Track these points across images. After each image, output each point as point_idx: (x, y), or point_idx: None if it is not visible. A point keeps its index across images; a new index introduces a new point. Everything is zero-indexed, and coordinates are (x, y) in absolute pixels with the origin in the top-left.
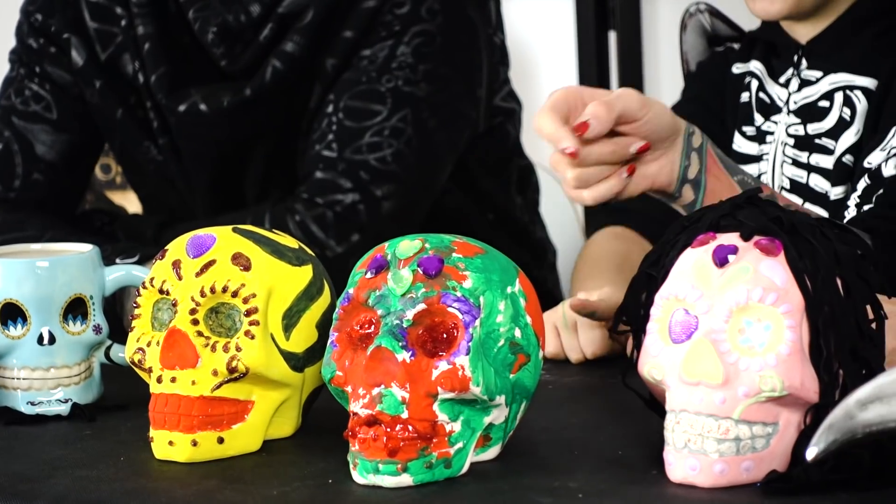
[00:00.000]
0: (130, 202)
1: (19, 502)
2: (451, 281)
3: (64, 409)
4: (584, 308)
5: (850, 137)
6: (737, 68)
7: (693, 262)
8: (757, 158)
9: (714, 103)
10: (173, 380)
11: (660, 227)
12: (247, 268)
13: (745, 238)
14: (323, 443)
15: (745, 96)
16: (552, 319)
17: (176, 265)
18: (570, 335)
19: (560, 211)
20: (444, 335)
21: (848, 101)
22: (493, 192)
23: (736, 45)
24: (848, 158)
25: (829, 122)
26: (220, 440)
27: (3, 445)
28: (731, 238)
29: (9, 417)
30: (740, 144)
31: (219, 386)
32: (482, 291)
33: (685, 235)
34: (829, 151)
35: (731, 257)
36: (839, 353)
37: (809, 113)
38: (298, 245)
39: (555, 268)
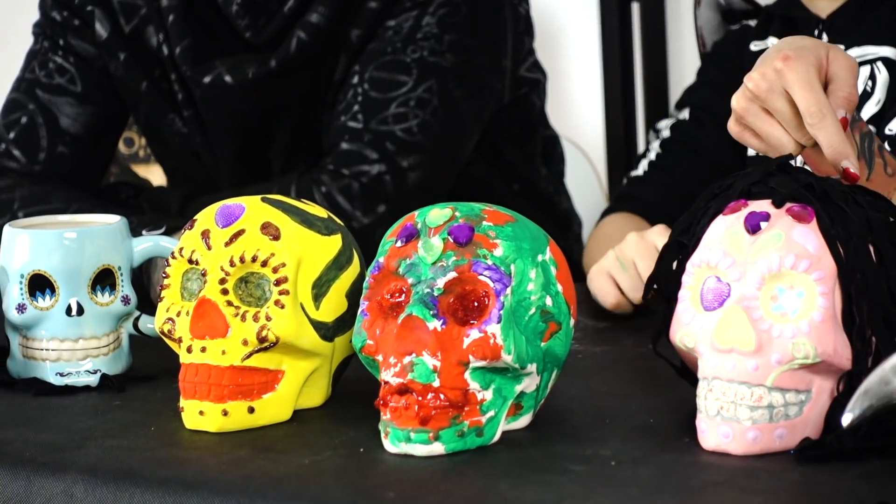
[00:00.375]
0: (154, 175)
1: (50, 472)
2: (482, 249)
3: (93, 380)
4: None
5: (871, 108)
6: (755, 46)
7: (725, 230)
8: None
9: (729, 88)
10: (203, 350)
11: (667, 219)
12: (276, 237)
13: (777, 205)
14: (353, 412)
15: None
16: (604, 269)
17: (205, 235)
18: (629, 276)
19: (585, 182)
20: (475, 303)
21: (870, 74)
22: (518, 163)
23: (752, 22)
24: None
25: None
26: (251, 410)
27: (32, 416)
28: (762, 205)
29: (38, 388)
30: None
31: (249, 356)
32: (513, 259)
33: (716, 203)
34: None
35: (763, 224)
36: (872, 320)
37: None
38: (327, 215)
39: (580, 239)
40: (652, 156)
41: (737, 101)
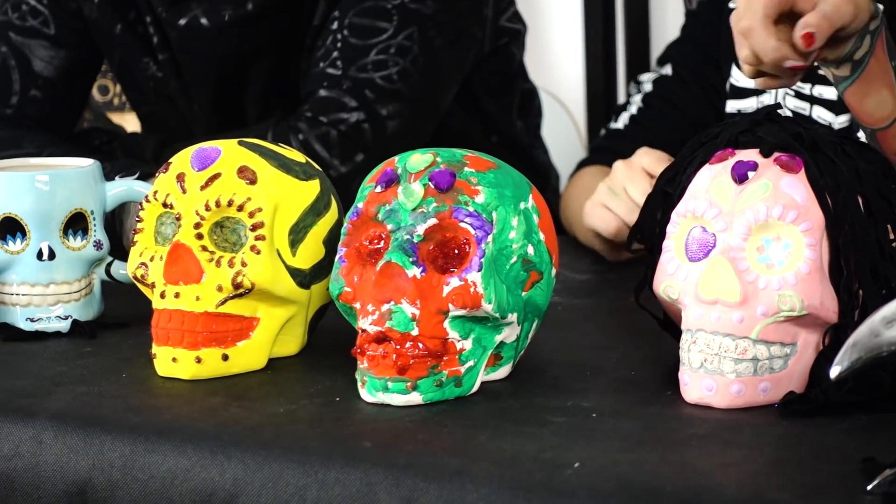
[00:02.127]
0: (129, 123)
1: (19, 418)
2: (464, 196)
3: (64, 325)
4: None
5: None
6: (733, 3)
7: (711, 179)
8: (757, 92)
9: (710, 45)
10: (177, 295)
11: None
12: (253, 181)
13: (765, 154)
14: (329, 361)
15: None
16: (598, 201)
17: (180, 178)
18: (623, 201)
19: (565, 136)
20: (456, 251)
21: None
22: (496, 115)
23: None
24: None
25: None
26: (225, 357)
27: (1, 361)
28: (750, 154)
29: (8, 334)
30: (738, 78)
31: (223, 302)
32: (495, 206)
33: (703, 152)
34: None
35: (750, 174)
36: (859, 273)
37: None
38: (305, 160)
39: (557, 192)
40: (633, 109)
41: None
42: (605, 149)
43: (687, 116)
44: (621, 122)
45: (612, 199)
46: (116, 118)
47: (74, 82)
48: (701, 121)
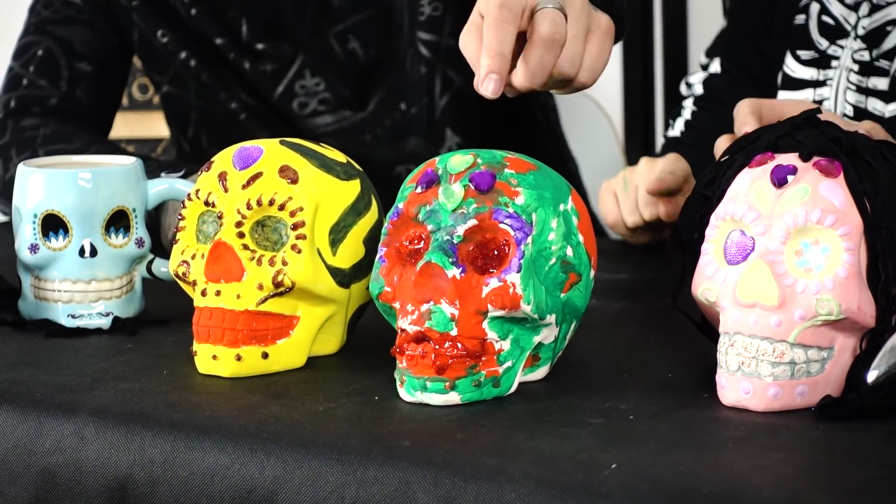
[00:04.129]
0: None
1: (61, 414)
2: (504, 197)
3: (105, 322)
4: (662, 186)
5: None
6: None
7: (750, 183)
8: (815, 83)
9: (757, 35)
10: (218, 293)
11: None
12: (294, 181)
13: (805, 158)
14: (368, 360)
15: (800, 18)
16: (611, 187)
17: (222, 177)
18: (628, 197)
19: (602, 136)
20: (496, 252)
21: None
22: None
23: None
24: None
25: (891, 42)
26: (265, 355)
27: (43, 358)
28: (789, 158)
29: (49, 330)
30: (794, 69)
31: (264, 300)
32: (535, 208)
33: (742, 155)
34: (885, 73)
35: (789, 178)
36: None
37: (875, 37)
38: (346, 159)
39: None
40: (687, 114)
41: None
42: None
43: None
44: (678, 128)
45: (621, 190)
46: (155, 119)
47: (114, 64)
48: None
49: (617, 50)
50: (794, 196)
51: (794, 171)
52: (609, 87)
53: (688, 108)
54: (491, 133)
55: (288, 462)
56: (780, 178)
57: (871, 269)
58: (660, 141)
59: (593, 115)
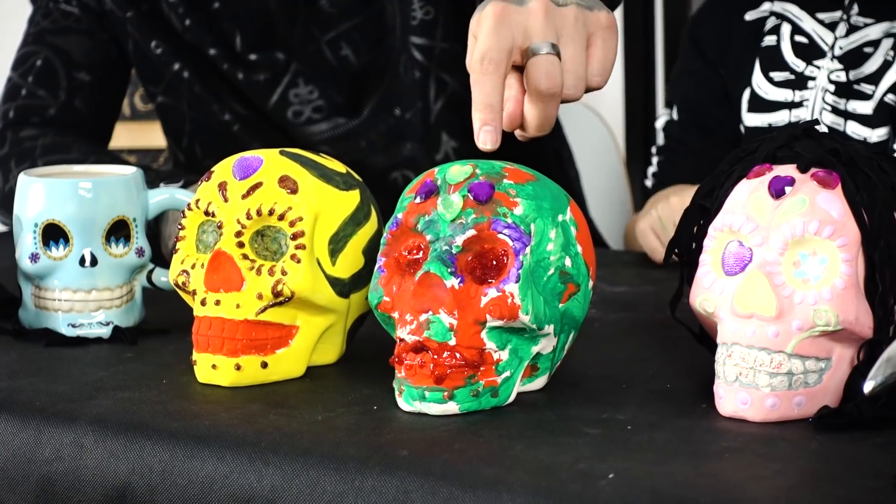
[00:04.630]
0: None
1: (61, 422)
2: (502, 207)
3: (105, 331)
4: None
5: (892, 76)
6: (750, 15)
7: (748, 194)
8: (791, 105)
9: (710, 74)
10: (217, 303)
11: None
12: (294, 191)
13: (802, 170)
14: (367, 370)
15: (770, 40)
16: (648, 224)
17: (222, 187)
18: (669, 234)
19: (602, 149)
20: (494, 262)
21: (892, 45)
22: None
23: None
24: (891, 98)
25: (871, 66)
26: (264, 365)
27: (43, 367)
28: (787, 170)
29: (49, 339)
30: (767, 91)
31: (263, 310)
32: (533, 218)
33: (740, 166)
34: (867, 97)
35: (787, 189)
36: (895, 289)
37: (853, 59)
38: (346, 170)
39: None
40: (654, 166)
41: None
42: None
43: (704, 157)
44: (649, 179)
45: (661, 230)
46: (158, 127)
47: (112, 73)
48: (719, 156)
49: (618, 61)
50: (792, 207)
51: (791, 182)
52: (610, 99)
53: (654, 158)
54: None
55: (286, 471)
56: (777, 190)
57: (869, 279)
58: None
59: (594, 127)
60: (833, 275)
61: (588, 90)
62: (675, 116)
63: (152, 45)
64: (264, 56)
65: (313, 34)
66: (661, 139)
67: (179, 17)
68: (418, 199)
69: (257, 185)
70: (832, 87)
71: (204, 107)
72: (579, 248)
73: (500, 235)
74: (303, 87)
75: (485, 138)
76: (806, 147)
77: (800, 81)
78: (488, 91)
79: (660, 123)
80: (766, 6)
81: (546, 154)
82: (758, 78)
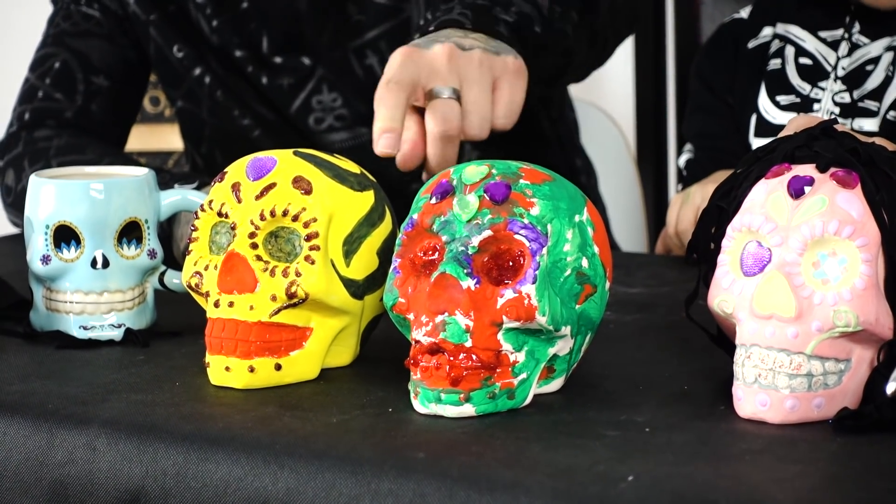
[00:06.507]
0: (178, 137)
1: (73, 425)
2: (519, 208)
3: (117, 334)
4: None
5: (894, 92)
6: (752, 43)
7: (767, 194)
8: None
9: (721, 107)
10: (231, 304)
11: None
12: (308, 191)
13: (822, 169)
14: (382, 372)
15: (775, 63)
16: (682, 197)
17: (235, 188)
18: (686, 211)
19: (614, 150)
20: (510, 263)
21: (892, 59)
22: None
23: (743, 13)
24: (893, 115)
25: (874, 82)
26: (278, 367)
27: (55, 369)
28: (806, 169)
29: (61, 341)
30: (774, 115)
31: (277, 311)
32: (550, 219)
33: (759, 166)
34: (873, 114)
35: (806, 189)
36: None
37: (855, 78)
38: (360, 170)
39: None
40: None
41: None
42: None
43: None
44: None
45: (682, 202)
46: (167, 131)
47: (131, 79)
48: None
49: (629, 63)
50: (812, 207)
51: (811, 182)
52: (621, 100)
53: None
54: (511, 148)
55: (301, 474)
56: (797, 189)
57: (889, 280)
58: (672, 154)
59: (606, 128)
60: (853, 275)
61: (493, 131)
62: (691, 155)
63: (174, 49)
64: (290, 60)
65: (341, 41)
66: (685, 174)
67: (207, 18)
68: (434, 200)
69: (271, 186)
70: (837, 110)
71: (224, 112)
72: (596, 249)
73: (516, 236)
74: (326, 94)
75: (385, 143)
76: (825, 146)
77: (805, 104)
78: (391, 105)
79: (682, 161)
80: (767, 31)
81: (557, 166)
82: (764, 102)
